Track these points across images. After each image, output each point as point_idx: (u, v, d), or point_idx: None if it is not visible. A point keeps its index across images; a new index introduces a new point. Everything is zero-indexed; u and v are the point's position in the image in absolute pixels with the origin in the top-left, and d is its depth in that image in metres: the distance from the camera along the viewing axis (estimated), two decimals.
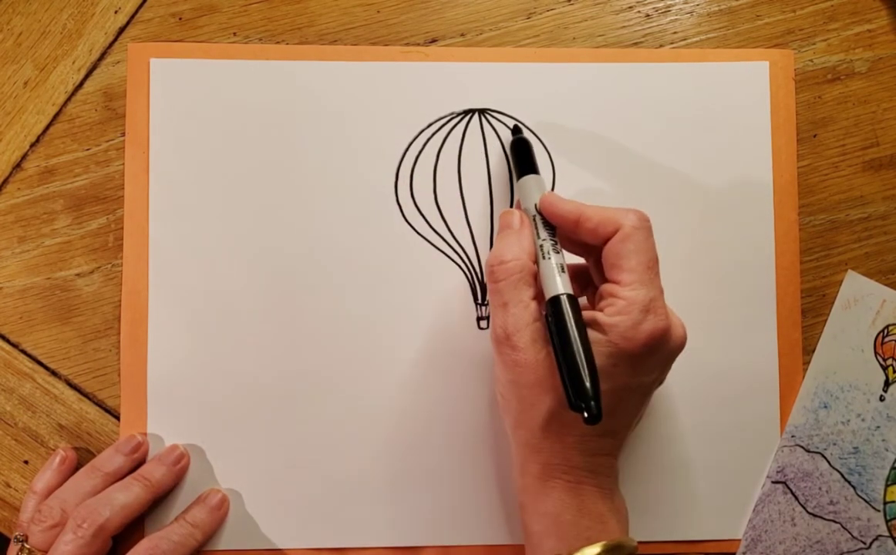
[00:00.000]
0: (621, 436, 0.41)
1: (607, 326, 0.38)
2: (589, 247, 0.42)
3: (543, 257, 0.40)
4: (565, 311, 0.37)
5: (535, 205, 0.42)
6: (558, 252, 0.40)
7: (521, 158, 0.45)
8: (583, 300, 0.44)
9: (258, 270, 0.47)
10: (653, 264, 0.40)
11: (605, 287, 0.40)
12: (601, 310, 0.39)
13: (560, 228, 0.42)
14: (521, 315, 0.39)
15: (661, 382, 0.42)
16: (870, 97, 0.50)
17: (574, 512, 0.39)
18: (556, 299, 0.38)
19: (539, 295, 0.40)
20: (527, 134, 0.48)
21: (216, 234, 0.48)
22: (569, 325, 0.37)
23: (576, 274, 0.44)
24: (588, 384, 0.35)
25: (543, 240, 0.40)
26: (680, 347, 0.41)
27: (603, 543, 0.39)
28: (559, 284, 0.38)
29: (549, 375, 0.38)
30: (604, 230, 0.40)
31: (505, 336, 0.39)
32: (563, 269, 0.39)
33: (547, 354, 0.39)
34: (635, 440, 0.48)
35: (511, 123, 0.48)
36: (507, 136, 0.48)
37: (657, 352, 0.39)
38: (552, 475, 0.40)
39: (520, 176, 0.44)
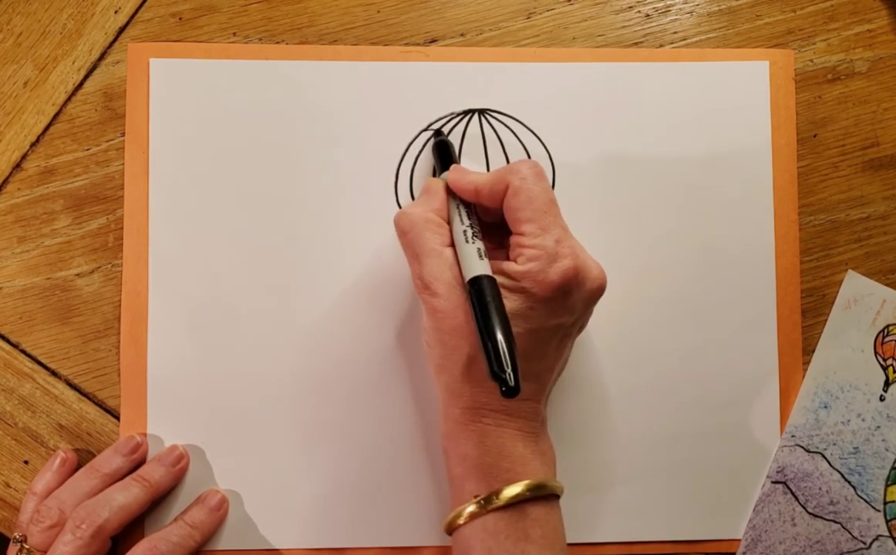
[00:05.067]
0: (544, 380, 0.42)
1: (519, 274, 0.39)
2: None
3: (467, 242, 0.41)
4: (484, 290, 0.38)
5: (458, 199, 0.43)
6: (481, 239, 0.41)
7: (443, 157, 0.46)
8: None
9: (258, 269, 0.47)
10: (549, 207, 0.40)
11: (513, 239, 0.41)
12: (514, 260, 0.40)
13: (469, 201, 0.43)
14: (436, 262, 0.40)
15: (582, 327, 0.43)
16: (870, 97, 0.50)
17: (494, 454, 0.40)
18: (475, 280, 0.39)
19: (453, 244, 0.41)
20: (523, 133, 0.48)
21: (216, 234, 0.48)
22: (487, 303, 0.38)
23: (494, 228, 0.44)
24: (505, 359, 0.36)
25: (467, 227, 0.41)
26: (598, 288, 0.41)
27: (524, 482, 0.39)
28: (479, 266, 0.39)
29: (467, 321, 0.39)
30: (498, 191, 0.41)
31: (423, 285, 0.40)
32: (483, 254, 0.40)
33: (466, 300, 0.39)
34: (636, 440, 0.48)
35: (511, 124, 0.48)
36: (508, 137, 0.48)
37: (572, 292, 0.40)
38: (472, 419, 0.40)
39: (442, 171, 0.45)
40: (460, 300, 0.40)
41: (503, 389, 0.36)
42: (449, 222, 0.42)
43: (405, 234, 0.41)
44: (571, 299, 0.40)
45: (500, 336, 0.36)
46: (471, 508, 0.40)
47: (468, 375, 0.40)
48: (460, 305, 0.39)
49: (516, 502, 0.39)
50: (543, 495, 0.40)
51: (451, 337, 0.40)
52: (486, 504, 0.39)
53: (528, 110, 0.49)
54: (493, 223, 0.43)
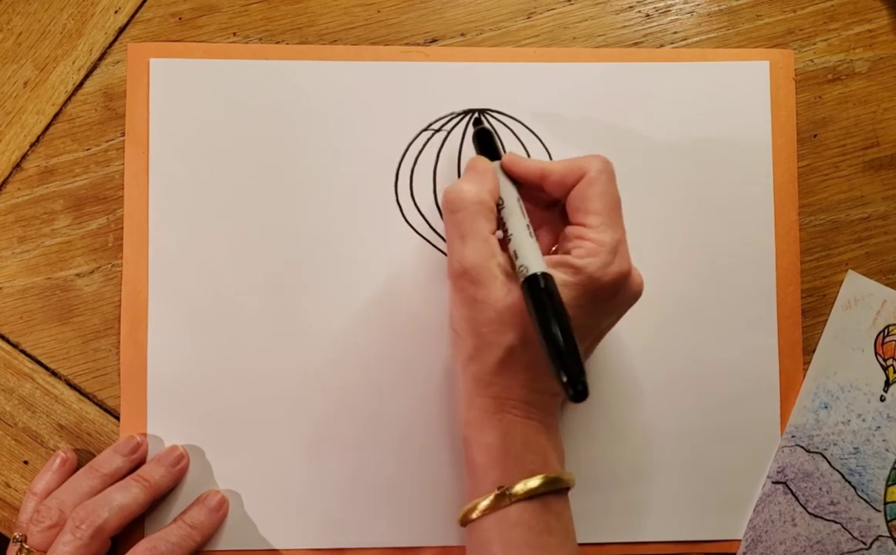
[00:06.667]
0: None
1: (577, 267, 0.39)
2: (550, 201, 0.43)
3: (530, 235, 0.40)
4: (553, 290, 0.37)
5: (515, 188, 0.42)
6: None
7: (486, 147, 0.44)
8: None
9: (258, 269, 0.47)
10: (617, 207, 0.40)
11: (571, 230, 0.40)
12: (568, 252, 0.39)
13: (525, 184, 0.42)
14: (481, 248, 0.39)
15: (610, 327, 0.43)
16: (870, 97, 0.50)
17: (520, 446, 0.40)
18: (542, 277, 0.37)
19: (498, 231, 0.41)
20: (523, 133, 0.48)
21: (216, 234, 0.48)
22: (557, 304, 0.37)
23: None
24: (577, 365, 0.35)
25: (528, 222, 0.41)
26: (636, 294, 0.41)
27: (543, 476, 0.39)
28: (542, 263, 0.38)
29: (510, 313, 0.39)
30: (569, 179, 0.41)
31: (462, 270, 0.39)
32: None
33: (508, 291, 0.39)
34: (635, 440, 0.48)
35: (511, 124, 0.48)
36: (509, 136, 0.48)
37: (619, 294, 0.40)
38: (501, 409, 0.40)
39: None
40: (502, 292, 0.39)
41: (572, 395, 0.35)
42: (499, 209, 0.41)
43: (456, 212, 0.40)
44: (614, 302, 0.40)
45: (570, 340, 0.35)
46: (490, 499, 0.39)
47: (503, 367, 0.39)
48: (502, 298, 0.39)
49: (536, 495, 0.39)
50: (559, 488, 0.40)
51: (489, 329, 0.39)
52: (508, 496, 0.39)
53: (528, 110, 0.49)
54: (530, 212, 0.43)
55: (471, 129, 0.48)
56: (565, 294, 0.38)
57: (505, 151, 0.44)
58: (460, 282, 0.40)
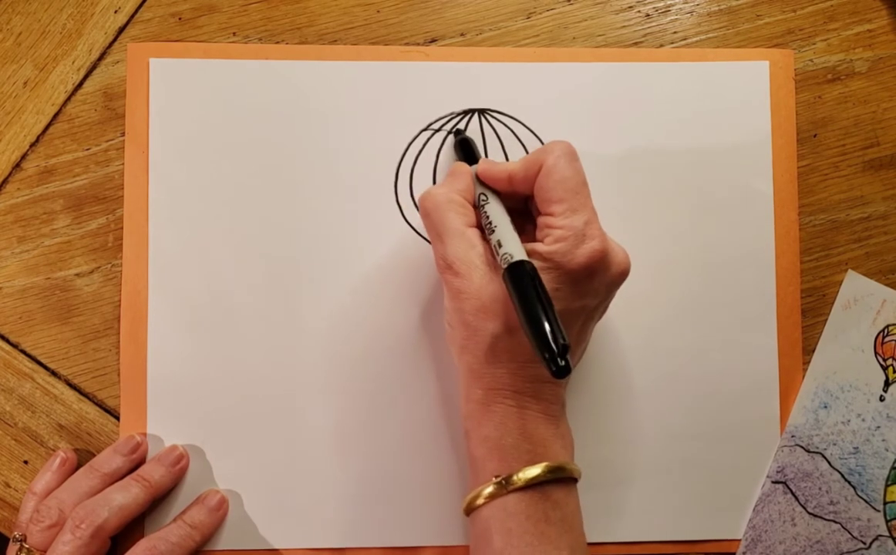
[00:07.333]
0: None
1: (546, 254, 0.39)
2: (528, 198, 0.43)
3: (512, 228, 0.41)
4: (533, 274, 0.38)
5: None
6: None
7: (466, 154, 0.46)
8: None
9: (258, 269, 0.47)
10: (580, 188, 0.41)
11: (541, 220, 0.41)
12: (541, 241, 0.40)
13: (501, 191, 0.43)
14: (459, 242, 0.40)
15: (604, 311, 0.43)
16: (870, 97, 0.50)
17: (516, 435, 0.40)
18: (524, 264, 0.38)
19: (477, 226, 0.42)
20: (523, 133, 0.48)
21: (216, 233, 0.48)
22: (537, 287, 0.37)
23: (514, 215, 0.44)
24: (557, 341, 0.35)
25: (510, 219, 0.42)
26: (623, 272, 0.41)
27: (544, 464, 0.39)
28: (523, 252, 0.39)
29: (492, 301, 0.39)
30: (531, 174, 0.41)
31: (446, 265, 0.41)
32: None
33: (490, 280, 0.40)
34: (635, 440, 0.48)
35: (511, 123, 0.48)
36: (508, 136, 0.48)
37: (597, 274, 0.40)
38: (494, 400, 0.40)
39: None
40: (484, 281, 0.40)
41: (553, 369, 0.35)
42: (475, 206, 0.43)
43: (428, 214, 0.42)
44: (595, 282, 0.40)
45: (552, 319, 0.36)
46: (490, 488, 0.40)
47: (492, 356, 0.40)
48: (484, 286, 0.40)
49: (536, 484, 0.39)
50: (562, 477, 0.40)
51: (474, 318, 0.40)
52: (507, 485, 0.39)
53: (528, 110, 0.49)
54: (513, 209, 0.44)
55: (471, 129, 0.48)
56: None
57: (487, 157, 0.45)
58: (446, 276, 0.41)
